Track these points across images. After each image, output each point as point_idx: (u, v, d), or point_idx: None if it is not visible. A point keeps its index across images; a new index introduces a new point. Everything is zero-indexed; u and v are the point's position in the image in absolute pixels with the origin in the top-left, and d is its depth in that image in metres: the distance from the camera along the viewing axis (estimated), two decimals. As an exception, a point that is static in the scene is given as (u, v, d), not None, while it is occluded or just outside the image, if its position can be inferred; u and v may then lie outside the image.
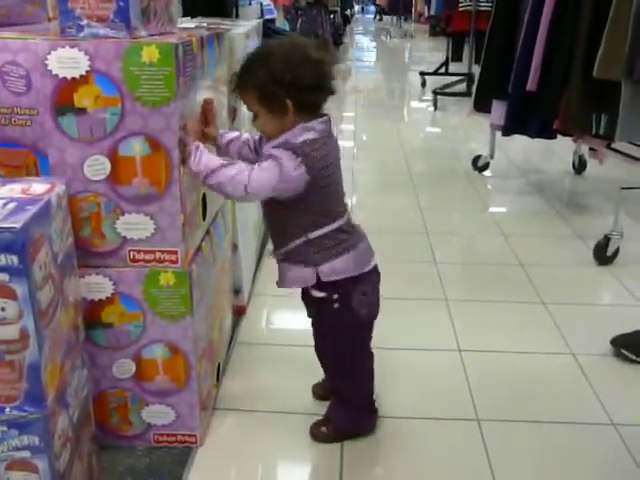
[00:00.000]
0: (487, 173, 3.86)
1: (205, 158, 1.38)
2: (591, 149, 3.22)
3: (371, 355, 1.58)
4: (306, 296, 1.53)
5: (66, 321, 1.24)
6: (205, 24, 1.77)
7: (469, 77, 5.75)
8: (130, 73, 1.25)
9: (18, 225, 1.02)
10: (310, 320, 1.58)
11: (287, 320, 2.18)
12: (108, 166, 1.31)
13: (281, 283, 1.52)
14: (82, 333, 1.36)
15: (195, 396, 1.51)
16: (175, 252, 1.39)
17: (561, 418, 1.67)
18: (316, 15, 5.66)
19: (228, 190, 1.37)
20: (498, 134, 3.66)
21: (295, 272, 1.47)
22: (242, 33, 1.90)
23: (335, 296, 1.46)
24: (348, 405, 1.57)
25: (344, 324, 1.51)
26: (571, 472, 1.50)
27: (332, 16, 6.81)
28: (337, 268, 1.44)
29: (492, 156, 3.80)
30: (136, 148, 1.30)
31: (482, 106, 3.56)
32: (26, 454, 1.14)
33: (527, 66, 3.05)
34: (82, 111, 1.27)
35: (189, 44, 1.34)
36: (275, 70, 1.34)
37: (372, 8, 21.83)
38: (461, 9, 5.58)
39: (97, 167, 1.31)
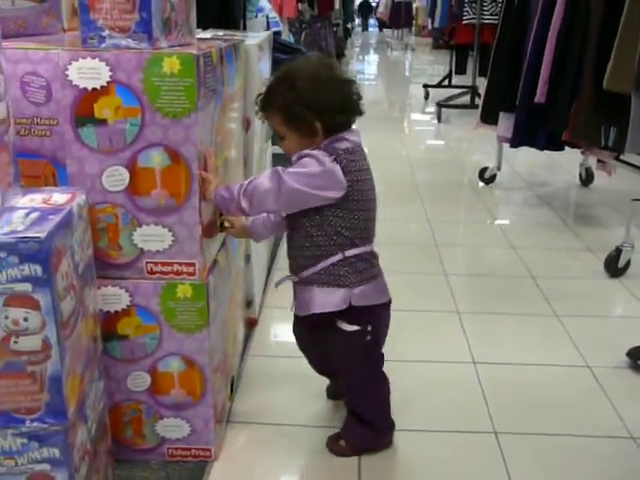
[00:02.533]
0: (493, 185, 3.86)
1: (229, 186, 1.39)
2: (599, 161, 3.23)
3: (386, 377, 1.56)
4: (319, 327, 1.46)
5: (86, 332, 1.23)
6: (220, 35, 1.77)
7: (473, 90, 5.77)
8: (151, 84, 1.24)
9: (42, 235, 1.01)
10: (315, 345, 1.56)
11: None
12: (127, 177, 1.31)
13: (305, 309, 1.44)
14: (100, 345, 1.35)
15: (210, 410, 1.49)
16: (193, 264, 1.38)
17: (579, 431, 1.66)
18: (320, 28, 5.69)
19: (261, 195, 1.34)
20: (504, 146, 3.68)
21: (325, 295, 1.41)
22: (256, 44, 1.90)
23: (369, 328, 1.45)
24: (365, 425, 1.55)
25: (370, 356, 1.51)
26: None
27: (335, 29, 6.87)
28: (369, 293, 1.42)
29: (499, 168, 3.80)
30: (155, 159, 1.29)
31: (489, 118, 3.57)
32: (46, 467, 1.13)
33: (535, 78, 3.06)
34: (102, 122, 1.27)
35: (209, 55, 1.34)
36: (303, 92, 1.32)
37: (372, 21, 21.96)
38: (465, 22, 5.60)
39: (116, 178, 1.31)
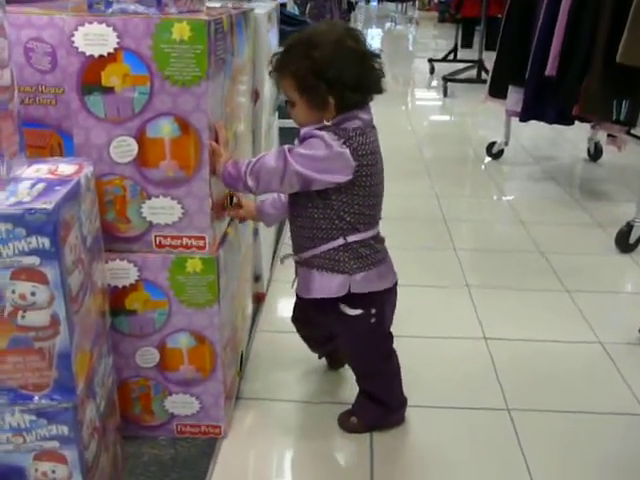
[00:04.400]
0: (501, 160, 3.80)
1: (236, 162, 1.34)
2: (609, 136, 3.17)
3: (395, 354, 1.54)
4: (322, 310, 1.43)
5: (94, 307, 1.20)
6: (230, 3, 1.71)
7: (479, 64, 5.68)
8: (160, 51, 1.20)
9: (50, 206, 0.98)
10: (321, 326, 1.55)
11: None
12: (135, 148, 1.26)
13: (305, 291, 1.42)
14: (109, 320, 1.32)
15: (220, 386, 1.47)
16: (203, 237, 1.34)
17: (593, 408, 1.64)
18: (324, 1, 5.59)
19: (267, 174, 1.30)
20: (513, 120, 3.62)
21: (324, 280, 1.38)
22: (265, 13, 1.85)
23: (373, 311, 1.41)
24: (377, 402, 1.53)
25: (378, 337, 1.48)
26: (606, 462, 1.46)
27: (340, 1, 6.76)
28: (371, 279, 1.38)
29: (507, 143, 3.74)
30: (165, 129, 1.25)
31: (497, 92, 3.50)
32: (55, 444, 1.11)
33: (546, 51, 2.99)
34: (109, 90, 1.22)
35: (220, 22, 1.29)
36: (320, 63, 1.24)
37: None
38: (471, -6, 5.50)
39: (124, 149, 1.27)
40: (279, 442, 1.52)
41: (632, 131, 2.94)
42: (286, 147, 1.30)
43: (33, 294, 1.01)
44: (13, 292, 1.01)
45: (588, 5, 2.80)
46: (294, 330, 1.66)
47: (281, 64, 1.32)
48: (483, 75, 5.54)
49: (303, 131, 1.32)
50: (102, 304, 1.27)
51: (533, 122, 3.29)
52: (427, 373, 1.75)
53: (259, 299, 2.09)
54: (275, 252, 2.42)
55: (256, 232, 1.98)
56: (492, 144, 3.79)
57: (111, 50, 1.20)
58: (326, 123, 1.29)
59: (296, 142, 1.35)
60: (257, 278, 2.06)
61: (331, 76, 1.25)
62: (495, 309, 2.10)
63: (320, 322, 1.53)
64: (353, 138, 1.28)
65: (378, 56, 1.32)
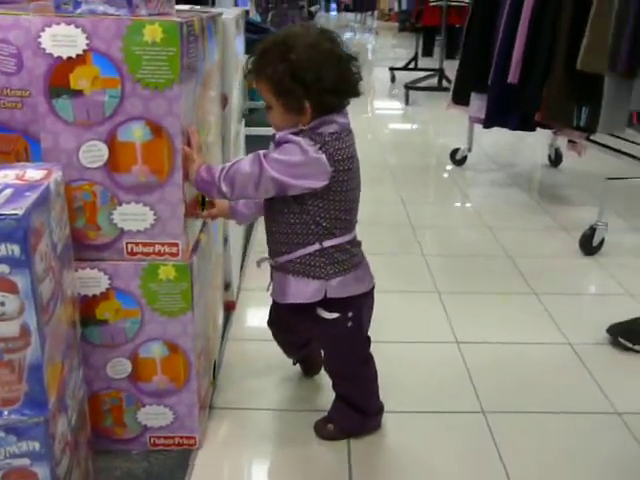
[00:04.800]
0: (464, 166, 3.85)
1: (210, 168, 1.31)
2: (570, 141, 3.24)
3: (373, 359, 1.52)
4: (298, 314, 1.42)
5: (65, 317, 1.16)
6: (197, 7, 1.69)
7: (440, 72, 5.75)
8: (131, 53, 1.17)
9: (20, 212, 0.94)
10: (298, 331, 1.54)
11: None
12: (106, 152, 1.23)
13: (280, 296, 1.41)
14: (79, 330, 1.28)
15: (194, 396, 1.43)
16: (176, 244, 1.31)
17: (566, 408, 1.65)
18: (287, 8, 5.60)
19: (242, 180, 1.27)
20: (475, 127, 3.67)
21: (299, 285, 1.36)
22: (233, 19, 1.83)
23: (350, 314, 1.40)
24: (355, 409, 1.52)
25: (355, 341, 1.47)
26: (580, 462, 1.47)
27: (302, 10, 6.78)
28: (347, 284, 1.37)
29: (470, 149, 3.79)
30: (136, 133, 1.22)
31: (460, 99, 3.54)
32: (25, 461, 1.06)
33: (508, 59, 3.04)
34: (78, 93, 1.19)
35: (191, 25, 1.26)
36: (297, 66, 1.22)
37: (334, 6, 21.85)
38: (432, 4, 5.58)
39: (94, 153, 1.23)
40: (255, 452, 1.49)
41: (592, 137, 3.01)
42: (261, 152, 1.28)
43: (2, 304, 0.97)
44: (-19, 302, 0.97)
45: (548, 13, 2.86)
46: (266, 338, 1.65)
47: (257, 67, 1.29)
48: (444, 83, 5.60)
49: (278, 135, 1.30)
50: (72, 314, 1.22)
51: (495, 129, 3.34)
52: (402, 378, 1.74)
53: (229, 308, 2.06)
54: (243, 259, 2.40)
55: (226, 240, 1.96)
56: (455, 151, 3.84)
57: (80, 52, 1.16)
58: (302, 127, 1.28)
59: (271, 146, 1.33)
60: (227, 286, 2.03)
61: (308, 79, 1.23)
62: (466, 313, 2.11)
63: (297, 326, 1.51)
64: (329, 143, 1.27)
65: (355, 59, 1.31)
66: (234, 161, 1.30)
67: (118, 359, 1.39)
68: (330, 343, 1.48)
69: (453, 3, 5.34)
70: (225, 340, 1.92)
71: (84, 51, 1.16)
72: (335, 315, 1.39)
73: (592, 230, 2.57)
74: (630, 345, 1.89)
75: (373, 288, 1.45)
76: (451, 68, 5.92)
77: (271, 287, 1.46)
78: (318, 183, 1.27)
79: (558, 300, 2.22)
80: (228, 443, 1.51)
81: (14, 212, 0.94)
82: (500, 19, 3.15)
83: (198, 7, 1.75)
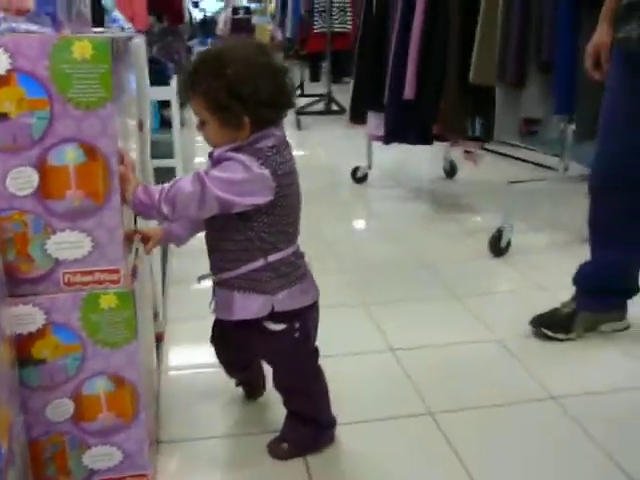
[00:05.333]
0: (366, 184, 3.94)
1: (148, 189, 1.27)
2: (466, 152, 3.40)
3: (322, 372, 1.52)
4: (244, 329, 1.39)
5: (5, 358, 1.07)
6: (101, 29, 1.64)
7: (328, 96, 5.88)
8: (60, 71, 1.11)
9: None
10: (243, 346, 1.50)
11: (208, 342, 2.05)
12: (36, 178, 1.15)
13: (225, 313, 1.38)
14: (17, 373, 1.18)
15: (144, 431, 1.36)
16: (117, 270, 1.25)
17: (507, 400, 1.71)
18: (172, 41, 5.55)
19: (184, 200, 1.23)
20: (373, 145, 3.79)
21: (245, 301, 1.34)
22: (141, 43, 1.79)
23: (297, 325, 1.38)
24: (308, 424, 1.50)
25: (303, 352, 1.45)
26: (532, 448, 1.52)
27: (186, 43, 6.73)
28: (293, 296, 1.36)
29: (370, 167, 3.89)
30: (69, 156, 1.16)
31: (357, 118, 3.64)
32: (-24, 519, 0.96)
33: (401, 75, 3.16)
34: (3, 116, 1.11)
35: (117, 43, 1.22)
36: (233, 80, 1.21)
37: (208, 40, 22.04)
38: (316, 31, 5.72)
39: (23, 180, 1.15)
40: (212, 481, 1.44)
41: (486, 146, 3.19)
42: (202, 171, 1.25)
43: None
44: None
45: (438, 28, 3.00)
46: (202, 365, 1.60)
47: (191, 83, 1.26)
48: (333, 106, 5.74)
49: (217, 153, 1.28)
50: (12, 355, 1.13)
51: (387, 146, 3.45)
52: (344, 390, 1.71)
53: (159, 339, 1.98)
54: (163, 287, 2.32)
55: (150, 266, 1.89)
56: (356, 169, 3.92)
57: (3, 72, 1.09)
58: (240, 143, 1.26)
59: (208, 164, 1.31)
60: (155, 316, 1.95)
61: (245, 93, 1.22)
62: (394, 321, 2.15)
63: (242, 342, 1.47)
64: (271, 158, 1.26)
65: (287, 70, 1.31)
66: (173, 181, 1.27)
67: (59, 400, 1.29)
68: (278, 357, 1.45)
69: (337, 29, 5.51)
70: (159, 372, 1.83)
71: (7, 71, 1.09)
72: (282, 326, 1.37)
73: (499, 232, 2.71)
74: (551, 334, 2.00)
75: (317, 300, 1.45)
76: (338, 91, 6.12)
77: (213, 304, 1.42)
78: (263, 199, 1.26)
79: (479, 300, 2.31)
80: (181, 476, 1.44)
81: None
82: (391, 38, 3.29)
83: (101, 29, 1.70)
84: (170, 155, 3.42)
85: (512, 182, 2.76)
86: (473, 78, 2.78)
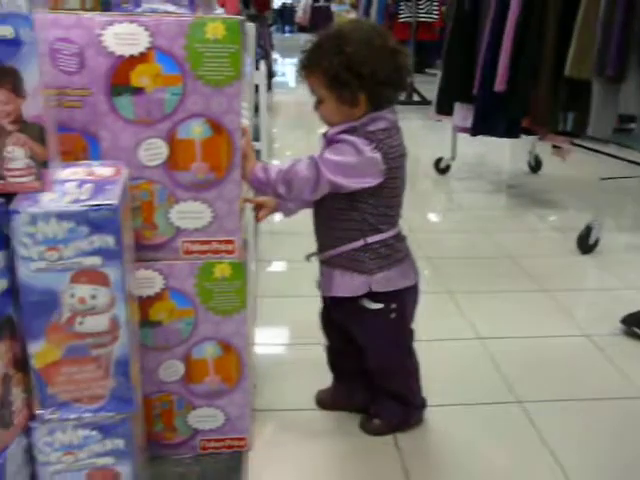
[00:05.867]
0: (449, 175, 3.93)
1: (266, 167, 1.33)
2: (554, 146, 3.34)
3: (415, 352, 1.55)
4: (344, 307, 1.44)
5: (135, 317, 1.15)
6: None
7: (411, 87, 5.85)
8: (193, 50, 1.17)
9: (115, 202, 0.94)
10: (344, 326, 1.51)
11: (298, 319, 2.11)
12: (165, 150, 1.23)
13: (326, 290, 1.43)
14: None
15: (247, 396, 1.43)
16: (232, 241, 1.31)
17: (595, 394, 1.71)
18: (258, 27, 5.66)
19: (299, 184, 1.29)
20: (450, 137, 3.77)
21: (345, 279, 1.39)
22: (252, 27, 1.86)
23: (393, 306, 1.42)
24: (400, 402, 1.53)
25: (397, 333, 1.48)
26: (622, 443, 1.52)
27: (270, 29, 6.86)
28: (391, 278, 1.39)
29: (454, 158, 3.88)
30: (196, 131, 1.22)
31: (444, 109, 3.63)
32: (109, 460, 1.05)
33: (493, 67, 3.13)
34: (139, 91, 1.18)
35: (242, 24, 1.28)
36: (352, 58, 1.25)
37: (288, 28, 22.32)
38: (401, 20, 5.70)
39: (154, 151, 1.23)
40: (305, 450, 1.49)
41: (576, 141, 3.12)
42: (316, 156, 1.30)
43: (93, 297, 0.96)
44: (72, 296, 0.96)
45: (534, 21, 2.96)
46: (294, 343, 1.63)
47: (312, 60, 1.31)
48: (414, 97, 5.72)
49: (331, 133, 1.32)
50: (137, 314, 1.21)
51: (471, 138, 3.42)
52: (433, 374, 1.74)
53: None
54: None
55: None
56: (439, 160, 3.91)
57: (143, 50, 1.16)
58: (354, 123, 1.30)
59: (322, 143, 1.35)
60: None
61: (364, 71, 1.26)
62: (482, 311, 2.16)
63: (341, 321, 1.51)
64: (383, 141, 1.30)
65: (405, 52, 1.35)
66: (290, 164, 1.32)
67: (171, 361, 1.37)
68: (373, 335, 1.48)
69: (422, 19, 5.48)
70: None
71: (147, 49, 1.16)
72: (379, 306, 1.41)
73: (588, 229, 2.66)
74: (643, 333, 1.97)
75: (417, 283, 1.48)
76: (421, 82, 6.08)
77: (318, 282, 1.47)
78: (373, 182, 1.30)
79: (567, 296, 2.28)
80: (276, 444, 1.51)
81: (110, 202, 0.94)
82: (483, 30, 3.25)
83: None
84: (256, 138, 3.50)
85: (604, 179, 2.70)
86: (569, 71, 2.73)
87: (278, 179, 1.30)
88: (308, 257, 1.48)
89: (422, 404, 1.57)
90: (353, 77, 1.26)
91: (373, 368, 1.55)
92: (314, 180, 1.29)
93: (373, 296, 1.40)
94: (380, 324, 1.44)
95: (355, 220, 1.36)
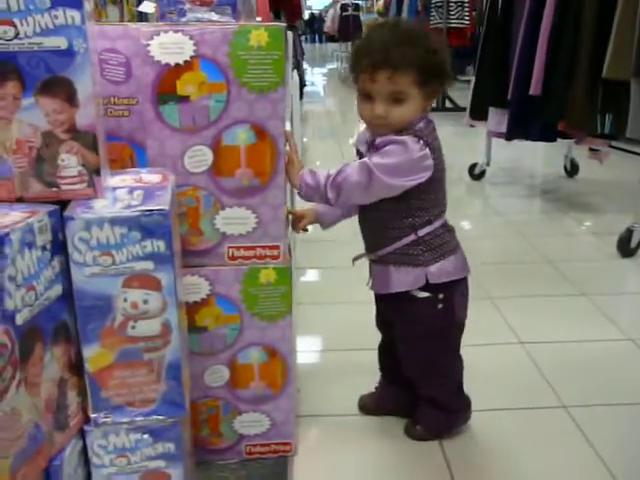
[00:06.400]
0: (484, 180, 3.90)
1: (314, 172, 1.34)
2: (591, 149, 3.30)
3: (461, 358, 1.53)
4: (394, 301, 1.43)
5: (184, 323, 1.17)
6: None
7: (442, 93, 5.84)
8: (237, 58, 1.19)
9: (167, 207, 0.95)
10: (392, 320, 1.50)
11: (338, 325, 2.12)
12: (210, 157, 1.24)
13: (383, 287, 1.43)
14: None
15: (292, 402, 1.43)
16: (277, 247, 1.32)
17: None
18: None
19: (349, 188, 1.29)
20: (483, 142, 3.75)
21: (401, 274, 1.38)
22: (290, 35, 1.87)
23: (440, 296, 1.40)
24: (440, 408, 1.51)
25: (443, 325, 1.45)
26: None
27: (300, 39, 6.92)
28: (446, 269, 1.38)
29: (488, 163, 3.85)
30: (241, 137, 1.24)
31: (478, 114, 3.61)
32: (160, 463, 1.06)
33: (528, 71, 3.11)
34: (185, 99, 1.20)
35: (285, 31, 1.29)
36: (440, 56, 1.29)
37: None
38: (432, 26, 5.69)
39: (199, 158, 1.24)
40: (351, 455, 1.49)
41: (612, 143, 3.08)
42: (366, 160, 1.30)
43: (145, 302, 0.98)
44: (125, 301, 0.97)
45: (569, 21, 2.93)
46: (335, 348, 1.63)
47: (398, 57, 1.26)
48: (447, 103, 5.70)
49: (380, 140, 1.32)
50: (185, 320, 1.23)
51: (502, 143, 3.40)
52: (476, 379, 1.73)
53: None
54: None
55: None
56: (474, 165, 3.89)
57: (187, 58, 1.18)
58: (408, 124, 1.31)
59: (367, 152, 1.36)
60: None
61: (439, 63, 1.30)
62: (521, 315, 2.13)
63: (391, 317, 1.50)
64: (429, 136, 1.30)
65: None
66: (340, 168, 1.31)
67: (216, 366, 1.38)
68: (418, 327, 1.44)
69: (453, 25, 5.47)
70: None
71: (191, 57, 1.18)
72: (425, 294, 1.39)
73: (629, 232, 2.61)
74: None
75: (467, 276, 1.46)
76: (452, 89, 6.05)
77: (371, 282, 1.47)
78: (422, 178, 1.30)
79: (608, 300, 2.25)
80: (322, 449, 1.51)
81: (161, 207, 0.95)
82: (517, 33, 3.23)
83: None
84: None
85: (645, 181, 2.65)
86: (607, 73, 2.69)
87: (327, 183, 1.31)
88: (355, 260, 1.49)
89: (466, 405, 1.55)
90: (435, 69, 1.29)
91: (414, 371, 1.52)
92: (365, 185, 1.29)
93: (423, 286, 1.39)
94: (424, 314, 1.42)
95: (406, 216, 1.36)
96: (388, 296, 1.43)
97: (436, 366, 1.50)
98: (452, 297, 1.43)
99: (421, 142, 1.28)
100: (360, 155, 1.41)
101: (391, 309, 1.49)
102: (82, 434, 1.02)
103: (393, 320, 1.50)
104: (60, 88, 0.94)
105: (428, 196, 1.34)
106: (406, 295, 1.40)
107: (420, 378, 1.54)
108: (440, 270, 1.38)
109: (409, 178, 1.29)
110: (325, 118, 6.75)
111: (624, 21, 2.64)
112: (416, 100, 1.31)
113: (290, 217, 1.50)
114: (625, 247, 2.63)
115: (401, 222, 1.36)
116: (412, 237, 1.36)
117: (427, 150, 1.29)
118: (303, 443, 1.51)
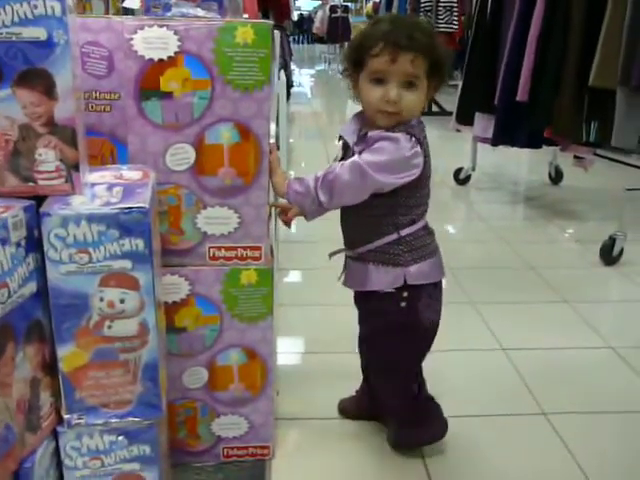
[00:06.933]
0: (469, 185, 3.91)
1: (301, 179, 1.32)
2: (575, 157, 3.32)
3: (421, 369, 1.49)
4: (367, 299, 1.42)
5: (162, 324, 1.14)
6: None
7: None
8: (223, 54, 1.17)
9: (146, 205, 0.93)
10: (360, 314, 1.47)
11: (319, 327, 2.10)
12: (193, 155, 1.22)
13: (359, 284, 1.40)
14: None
15: (271, 404, 1.41)
16: (259, 248, 1.30)
17: (620, 407, 1.67)
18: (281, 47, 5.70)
19: (341, 188, 1.27)
20: (470, 147, 3.76)
21: (380, 274, 1.36)
22: (278, 34, 1.85)
23: (404, 294, 1.37)
24: (409, 425, 1.48)
25: (405, 323, 1.40)
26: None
27: (288, 39, 6.90)
28: (423, 271, 1.36)
29: (474, 168, 3.85)
30: (224, 135, 1.22)
31: (464, 119, 3.61)
32: (135, 466, 1.04)
33: (515, 77, 3.11)
34: (168, 95, 1.18)
35: (273, 29, 1.28)
36: (441, 47, 1.28)
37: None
38: (420, 30, 5.69)
39: (181, 156, 1.22)
40: (328, 459, 1.47)
41: (597, 151, 3.09)
42: (356, 158, 1.27)
43: (122, 301, 0.96)
44: (101, 300, 0.95)
45: (557, 29, 2.94)
46: (316, 351, 1.61)
47: (426, 44, 1.25)
48: (433, 107, 5.70)
49: (373, 134, 1.29)
50: (164, 320, 1.21)
51: (488, 149, 3.40)
52: (457, 385, 1.74)
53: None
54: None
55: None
56: (459, 170, 3.89)
57: (171, 54, 1.16)
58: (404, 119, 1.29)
59: (355, 141, 1.33)
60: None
61: (444, 55, 1.29)
62: (504, 322, 2.13)
63: (361, 310, 1.47)
64: (420, 134, 1.29)
65: None
66: (328, 170, 1.29)
67: (195, 368, 1.36)
68: (376, 317, 1.41)
69: (442, 29, 5.47)
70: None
71: (175, 53, 1.16)
72: (390, 290, 1.36)
73: (612, 240, 2.63)
74: (671, 346, 1.93)
75: (441, 280, 1.43)
76: (440, 93, 6.06)
77: (343, 277, 1.45)
78: (412, 176, 1.28)
79: (590, 307, 2.25)
80: (300, 452, 1.49)
81: (140, 205, 0.93)
82: (505, 39, 3.24)
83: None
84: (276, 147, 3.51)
85: (630, 189, 2.66)
86: (593, 81, 2.70)
87: (318, 186, 1.28)
88: (332, 255, 1.46)
89: (433, 420, 1.50)
90: (443, 60, 1.28)
91: (373, 366, 1.49)
92: (357, 183, 1.27)
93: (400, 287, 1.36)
94: (388, 310, 1.38)
95: (389, 214, 1.34)
96: (365, 296, 1.41)
97: (395, 368, 1.44)
98: (418, 297, 1.38)
99: (413, 139, 1.26)
100: (345, 145, 1.38)
101: (357, 302, 1.47)
102: (55, 435, 0.99)
103: (359, 313, 1.48)
104: (38, 80, 0.92)
105: (414, 194, 1.33)
106: (374, 293, 1.38)
107: (380, 383, 1.49)
108: (418, 271, 1.36)
109: (400, 175, 1.27)
110: (311, 119, 6.74)
111: (611, 30, 2.66)
112: (423, 92, 1.29)
113: (276, 210, 1.48)
114: (607, 255, 2.64)
115: (384, 219, 1.34)
116: (394, 236, 1.34)
117: (418, 148, 1.27)
118: (281, 446, 1.49)
